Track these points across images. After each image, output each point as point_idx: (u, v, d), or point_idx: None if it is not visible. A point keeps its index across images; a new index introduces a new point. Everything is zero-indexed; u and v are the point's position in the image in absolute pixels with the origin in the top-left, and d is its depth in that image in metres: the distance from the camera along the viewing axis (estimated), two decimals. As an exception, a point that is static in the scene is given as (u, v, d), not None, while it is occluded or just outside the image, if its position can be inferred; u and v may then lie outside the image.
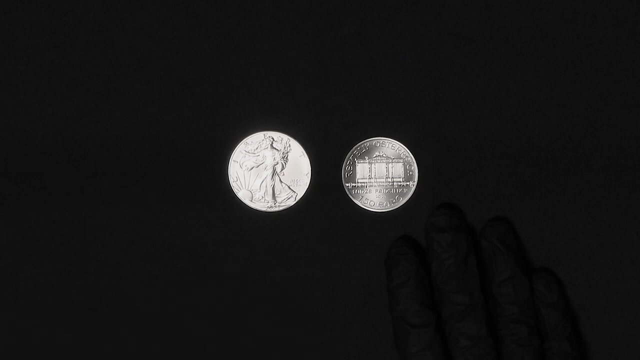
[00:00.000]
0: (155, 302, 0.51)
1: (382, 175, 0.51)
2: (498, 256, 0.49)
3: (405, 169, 0.51)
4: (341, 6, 0.51)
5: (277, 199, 0.51)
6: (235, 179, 0.51)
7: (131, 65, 0.51)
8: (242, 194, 0.51)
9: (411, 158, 0.51)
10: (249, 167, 0.51)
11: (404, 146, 0.51)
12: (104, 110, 0.51)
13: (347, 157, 0.51)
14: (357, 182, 0.51)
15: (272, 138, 0.51)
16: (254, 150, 0.51)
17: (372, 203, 0.51)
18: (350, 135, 0.51)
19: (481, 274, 0.50)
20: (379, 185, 0.51)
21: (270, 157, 0.51)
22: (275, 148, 0.51)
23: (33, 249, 0.51)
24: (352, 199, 0.51)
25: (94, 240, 0.51)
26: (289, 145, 0.51)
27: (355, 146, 0.51)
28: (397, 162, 0.51)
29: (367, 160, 0.51)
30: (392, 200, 0.51)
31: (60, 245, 0.51)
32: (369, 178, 0.51)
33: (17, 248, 0.51)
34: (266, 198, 0.51)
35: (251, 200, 0.51)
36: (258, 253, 0.51)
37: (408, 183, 0.51)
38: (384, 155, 0.51)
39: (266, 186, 0.51)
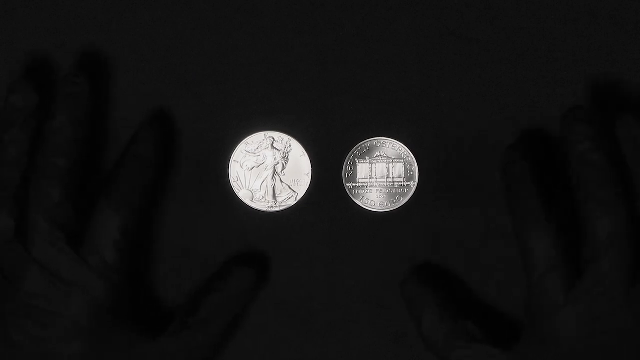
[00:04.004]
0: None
1: (383, 175, 0.51)
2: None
3: (406, 169, 0.51)
4: (342, 6, 0.52)
5: (277, 199, 0.51)
6: (236, 179, 0.51)
7: (131, 65, 0.51)
8: (243, 194, 0.51)
9: (412, 158, 0.51)
10: (250, 167, 0.51)
11: (404, 146, 0.51)
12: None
13: (347, 157, 0.51)
14: (358, 182, 0.51)
15: (273, 138, 0.51)
16: (255, 150, 0.51)
17: (373, 203, 0.51)
18: (350, 135, 0.51)
19: None
20: (379, 185, 0.51)
21: (270, 157, 0.51)
22: (275, 148, 0.51)
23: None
24: (353, 199, 0.51)
25: (94, 240, 0.51)
26: (290, 145, 0.51)
27: (356, 146, 0.51)
28: (398, 162, 0.51)
29: (368, 160, 0.51)
30: (393, 201, 0.51)
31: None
32: (370, 178, 0.51)
33: (17, 248, 0.51)
34: (267, 198, 0.51)
35: (252, 200, 0.51)
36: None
37: (409, 183, 0.51)
38: (384, 155, 0.51)
39: (267, 186, 0.51)
